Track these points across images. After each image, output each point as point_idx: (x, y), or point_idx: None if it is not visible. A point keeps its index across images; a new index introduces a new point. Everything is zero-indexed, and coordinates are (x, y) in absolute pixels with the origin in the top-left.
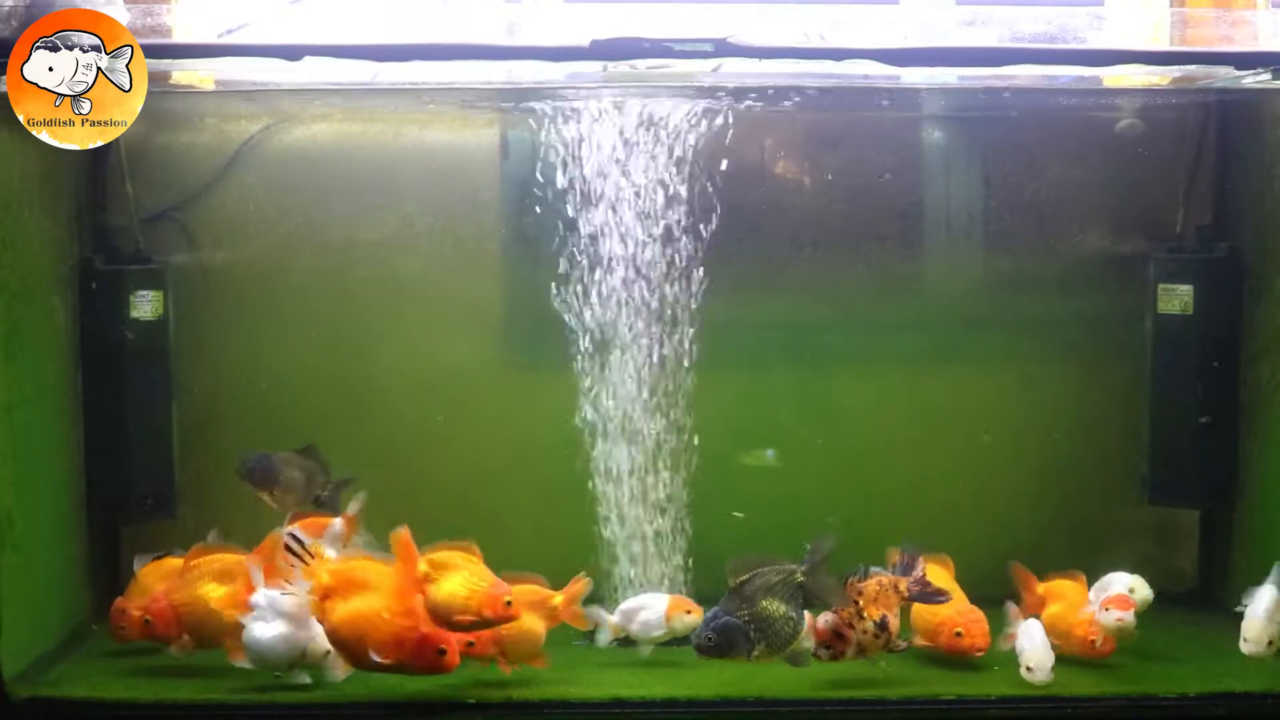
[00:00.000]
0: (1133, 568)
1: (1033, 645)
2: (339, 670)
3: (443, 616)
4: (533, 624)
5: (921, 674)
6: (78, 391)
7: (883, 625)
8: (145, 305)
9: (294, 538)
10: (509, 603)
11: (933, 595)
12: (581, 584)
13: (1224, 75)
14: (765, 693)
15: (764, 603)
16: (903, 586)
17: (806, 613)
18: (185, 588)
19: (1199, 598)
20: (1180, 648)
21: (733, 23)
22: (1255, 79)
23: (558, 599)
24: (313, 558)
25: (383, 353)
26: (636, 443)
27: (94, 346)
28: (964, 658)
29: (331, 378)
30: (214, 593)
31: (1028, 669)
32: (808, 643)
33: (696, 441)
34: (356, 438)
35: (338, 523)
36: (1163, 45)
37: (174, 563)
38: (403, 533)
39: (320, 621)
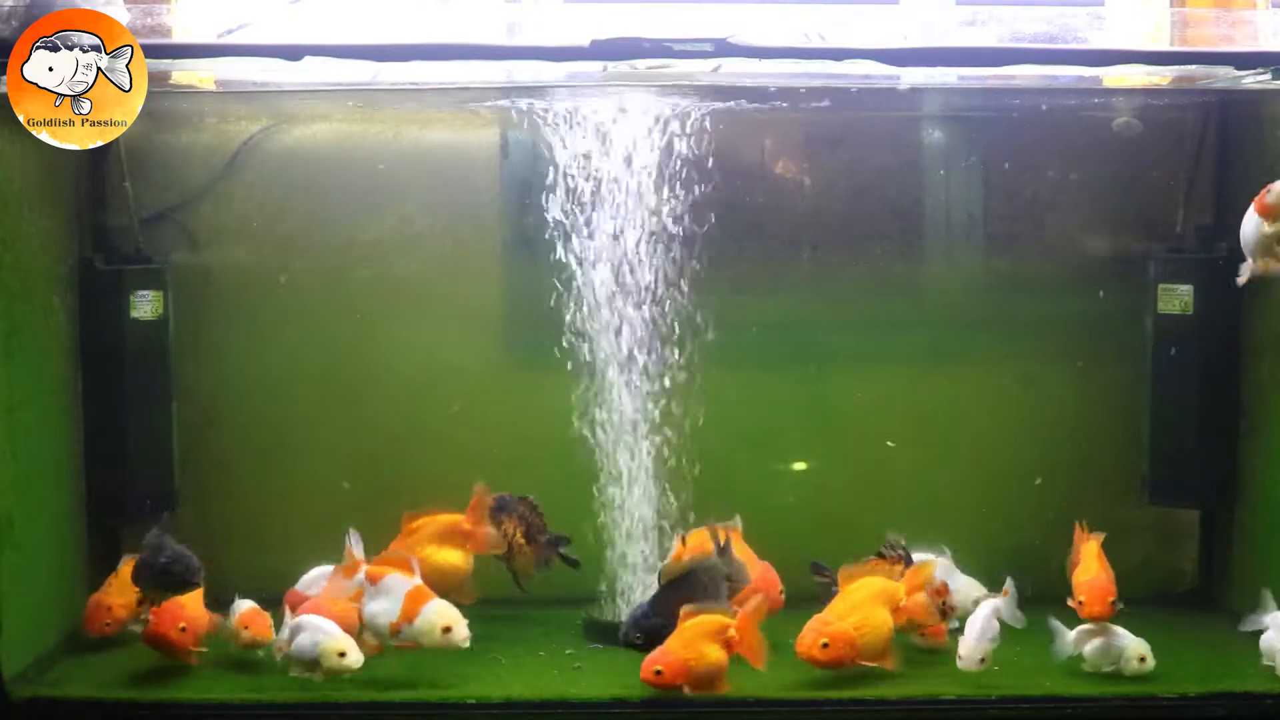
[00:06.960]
0: (1133, 567)
1: None
2: None
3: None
4: None
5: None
6: (78, 391)
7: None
8: (145, 305)
9: None
10: None
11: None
12: None
13: (1224, 75)
14: (764, 693)
15: None
16: None
17: None
18: None
19: (1199, 598)
20: (1180, 648)
21: (733, 23)
22: (1255, 79)
23: None
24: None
25: (382, 352)
26: (636, 442)
27: (94, 346)
28: None
29: (331, 377)
30: None
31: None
32: None
33: (696, 441)
34: (356, 437)
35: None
36: (1163, 45)
37: None
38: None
39: None
